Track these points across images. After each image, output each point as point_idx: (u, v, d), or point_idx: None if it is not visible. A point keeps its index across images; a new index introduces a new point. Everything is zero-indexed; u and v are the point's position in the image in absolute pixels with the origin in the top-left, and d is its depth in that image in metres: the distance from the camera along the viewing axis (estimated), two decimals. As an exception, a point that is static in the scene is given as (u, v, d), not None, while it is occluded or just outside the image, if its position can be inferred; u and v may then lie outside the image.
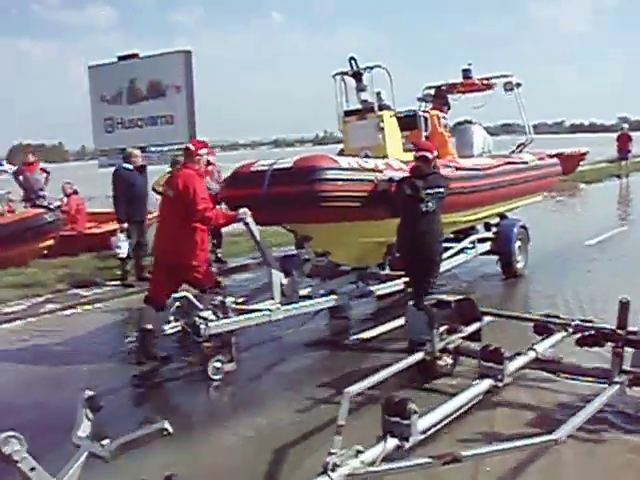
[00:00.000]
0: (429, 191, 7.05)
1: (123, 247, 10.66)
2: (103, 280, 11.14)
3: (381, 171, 7.61)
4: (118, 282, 10.97)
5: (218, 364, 6.64)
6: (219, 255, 12.32)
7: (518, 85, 11.04)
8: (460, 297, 6.37)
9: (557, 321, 5.89)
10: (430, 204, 7.06)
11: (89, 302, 10.19)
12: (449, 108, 10.62)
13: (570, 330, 5.73)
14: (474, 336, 6.11)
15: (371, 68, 9.03)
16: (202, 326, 6.46)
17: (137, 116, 16.00)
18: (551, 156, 12.40)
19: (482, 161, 9.90)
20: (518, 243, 10.43)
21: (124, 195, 10.69)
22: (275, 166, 7.32)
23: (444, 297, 6.38)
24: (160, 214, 7.45)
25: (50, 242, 12.56)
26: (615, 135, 28.80)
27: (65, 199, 14.30)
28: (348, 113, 9.16)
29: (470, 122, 10.98)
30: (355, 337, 7.78)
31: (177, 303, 6.99)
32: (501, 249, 10.27)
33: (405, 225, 7.22)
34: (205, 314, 6.61)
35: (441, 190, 7.19)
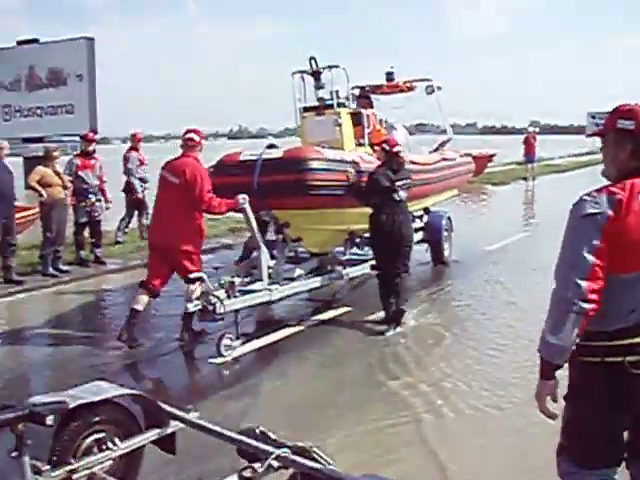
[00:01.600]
0: (400, 183, 8.03)
1: None
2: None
3: (357, 163, 8.42)
4: None
5: (228, 341, 7.08)
6: (98, 254, 11.58)
7: (439, 88, 11.84)
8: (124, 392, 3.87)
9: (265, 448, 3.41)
10: (402, 193, 8.06)
11: None
12: (372, 107, 10.83)
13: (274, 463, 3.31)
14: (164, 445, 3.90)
15: (330, 67, 9.86)
16: (218, 304, 6.98)
17: (36, 104, 15.34)
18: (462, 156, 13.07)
19: (427, 157, 11.10)
20: (445, 233, 11.26)
21: None
22: (265, 156, 7.97)
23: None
24: (159, 200, 7.61)
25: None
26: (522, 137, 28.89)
27: None
28: (307, 109, 9.91)
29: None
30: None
31: (197, 283, 7.20)
32: (431, 238, 11.04)
33: (380, 213, 8.00)
34: (218, 293, 7.11)
35: (409, 181, 8.34)
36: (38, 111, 15.24)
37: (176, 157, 7.60)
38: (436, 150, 12.11)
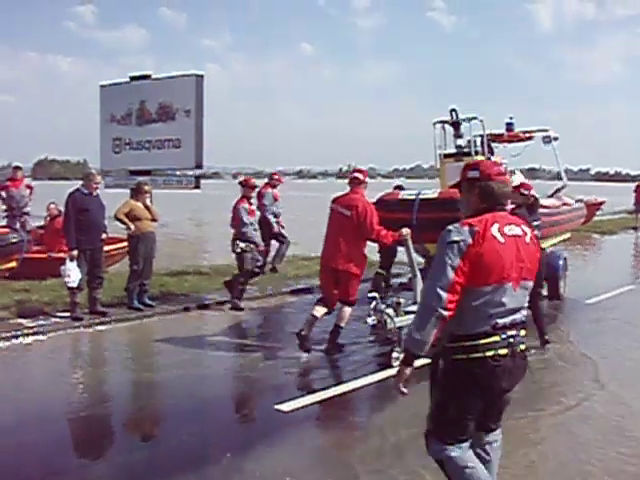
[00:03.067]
0: (535, 224, 8.43)
1: (73, 276, 10.08)
2: (54, 310, 10.48)
3: None
4: (68, 314, 10.29)
5: (395, 354, 7.96)
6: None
7: (555, 139, 12.88)
8: None
9: None
10: (537, 232, 8.46)
11: (28, 334, 9.52)
12: (492, 154, 11.75)
13: None
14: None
15: (469, 119, 11.21)
16: (388, 321, 8.02)
17: (145, 138, 15.67)
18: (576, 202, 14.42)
19: (550, 201, 12.22)
20: (562, 272, 12.09)
21: (76, 221, 10.09)
22: (421, 196, 9.50)
23: None
24: (331, 228, 8.61)
25: (12, 264, 12.10)
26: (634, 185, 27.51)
27: (48, 219, 13.87)
28: (446, 156, 11.34)
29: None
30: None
31: (374, 302, 8.13)
32: (549, 275, 11.17)
33: None
34: (389, 311, 8.08)
35: (540, 222, 9.06)
36: (146, 145, 15.57)
37: (345, 193, 8.64)
38: (552, 196, 13.14)
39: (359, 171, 8.75)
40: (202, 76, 15.23)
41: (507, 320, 3.60)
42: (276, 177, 15.18)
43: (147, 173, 15.44)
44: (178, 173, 15.92)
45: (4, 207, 14.84)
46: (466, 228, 3.56)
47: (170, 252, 16.75)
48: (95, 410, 6.78)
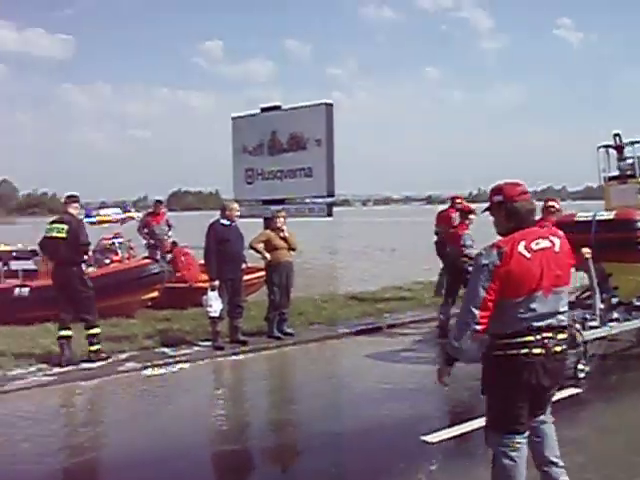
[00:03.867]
0: None
1: (215, 306, 10.27)
2: (196, 339, 10.72)
3: None
4: (209, 343, 10.49)
5: (581, 366, 8.45)
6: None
7: None
8: None
9: None
10: None
11: (172, 363, 9.77)
12: None
13: None
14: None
15: (632, 143, 11.98)
16: (578, 334, 8.30)
17: (277, 168, 15.96)
18: None
19: None
20: None
21: (216, 251, 10.29)
22: (598, 217, 9.56)
23: None
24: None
25: (154, 294, 12.48)
26: None
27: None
28: (611, 178, 11.89)
29: None
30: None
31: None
32: None
33: None
34: (577, 326, 8.42)
35: None
36: (278, 174, 15.83)
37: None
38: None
39: (554, 200, 9.33)
40: (331, 105, 15.41)
41: (542, 323, 4.00)
42: (458, 201, 13.22)
43: (280, 202, 15.68)
44: (307, 201, 16.15)
45: (145, 240, 15.35)
46: (494, 251, 3.99)
47: (306, 280, 16.91)
48: (237, 441, 6.85)
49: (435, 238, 13.74)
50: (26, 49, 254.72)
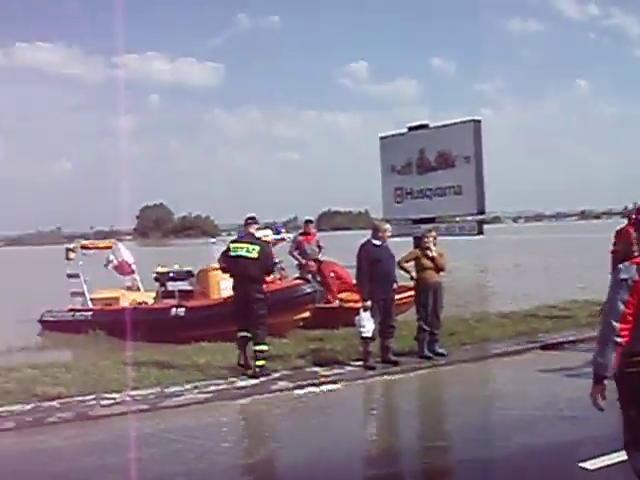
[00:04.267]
0: None
1: (368, 326, 10.30)
2: (348, 359, 10.79)
3: None
4: (361, 363, 10.53)
5: None
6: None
7: None
8: None
9: None
10: None
11: (324, 382, 9.86)
12: None
13: None
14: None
15: None
16: None
17: (426, 186, 15.86)
18: None
19: None
20: None
21: (368, 272, 10.34)
22: None
23: None
24: None
25: (306, 314, 12.68)
26: None
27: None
28: None
29: None
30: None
31: None
32: None
33: None
34: None
35: None
36: (428, 193, 15.74)
37: None
38: None
39: None
40: (479, 121, 15.19)
41: None
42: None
43: (430, 221, 15.58)
44: (458, 219, 15.98)
45: (296, 261, 15.61)
46: (634, 267, 4.13)
47: (457, 299, 16.74)
48: (388, 464, 6.86)
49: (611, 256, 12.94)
50: (178, 78, 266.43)
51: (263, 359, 10.21)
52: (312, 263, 15.30)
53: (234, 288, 10.73)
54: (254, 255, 10.31)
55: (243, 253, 10.34)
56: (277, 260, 15.42)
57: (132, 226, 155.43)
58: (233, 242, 10.72)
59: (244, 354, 10.38)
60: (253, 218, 10.92)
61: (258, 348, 10.23)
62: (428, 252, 10.97)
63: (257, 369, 10.14)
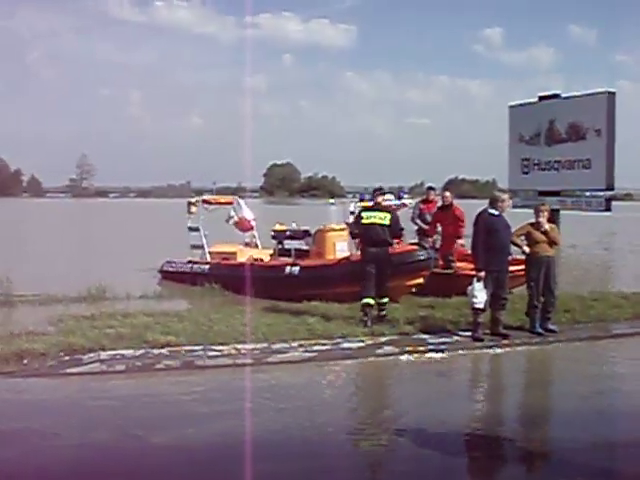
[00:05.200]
0: None
1: (479, 297, 10.30)
2: (456, 329, 10.83)
3: None
4: (469, 333, 10.55)
5: None
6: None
7: None
8: None
9: None
10: None
11: (430, 350, 9.95)
12: None
13: None
14: None
15: None
16: None
17: (554, 158, 15.55)
18: None
19: None
20: None
21: (484, 242, 10.32)
22: None
23: None
24: None
25: (420, 280, 12.73)
26: None
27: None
28: None
29: None
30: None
31: None
32: None
33: None
34: None
35: None
36: (555, 165, 15.43)
37: None
38: None
39: None
40: (614, 93, 14.76)
41: None
42: None
43: (555, 194, 15.30)
44: (587, 194, 15.60)
45: (416, 227, 15.60)
46: None
47: (576, 276, 16.37)
48: (487, 431, 6.92)
49: None
50: (311, 39, 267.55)
51: (384, 310, 11.38)
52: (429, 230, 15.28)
53: (363, 251, 11.69)
54: (386, 222, 11.37)
55: (376, 220, 11.37)
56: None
57: (259, 184, 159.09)
58: (365, 210, 11.77)
59: (369, 319, 11.09)
60: (381, 189, 12.09)
61: (382, 301, 11.37)
62: (540, 226, 10.82)
63: (379, 317, 11.25)
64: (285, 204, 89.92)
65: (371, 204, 12.16)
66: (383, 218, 11.44)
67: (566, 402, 7.88)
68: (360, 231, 11.80)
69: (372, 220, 11.44)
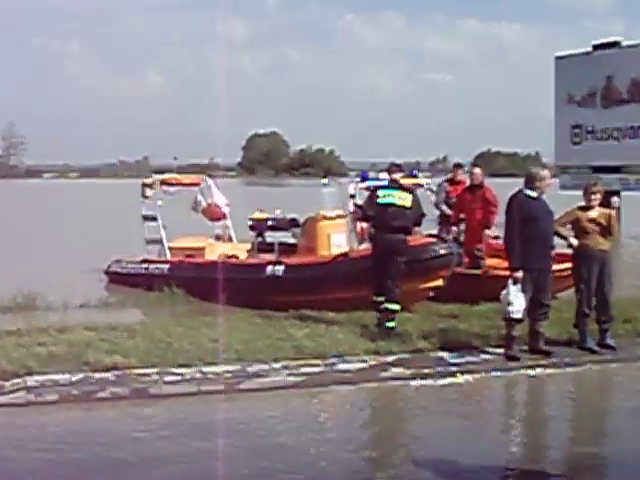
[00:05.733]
0: None
1: (516, 304, 10.23)
2: (485, 344, 10.83)
3: None
4: (502, 350, 10.56)
5: None
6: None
7: None
8: None
9: None
10: None
11: (451, 373, 9.94)
12: None
13: None
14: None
15: None
16: None
17: (613, 125, 15.54)
18: None
19: None
20: None
21: (520, 233, 10.26)
22: None
23: None
24: None
25: (438, 282, 12.70)
26: None
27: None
28: None
29: None
30: None
31: None
32: None
33: None
34: None
35: None
36: (615, 133, 15.42)
37: None
38: None
39: None
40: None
41: None
42: None
43: (615, 170, 15.28)
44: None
45: (438, 212, 15.49)
46: None
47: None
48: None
49: None
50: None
51: (393, 320, 11.36)
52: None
53: (375, 239, 12.02)
54: (407, 203, 11.64)
55: (395, 201, 11.60)
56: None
57: (236, 159, 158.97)
58: (381, 188, 11.98)
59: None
60: (398, 165, 12.48)
61: (391, 307, 11.37)
62: (591, 212, 10.79)
63: (386, 330, 11.21)
64: (269, 185, 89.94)
65: (385, 183, 12.30)
66: (404, 199, 11.66)
67: (628, 445, 7.75)
68: (374, 213, 11.91)
69: (390, 200, 11.62)
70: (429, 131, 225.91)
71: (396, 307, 11.48)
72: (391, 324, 11.37)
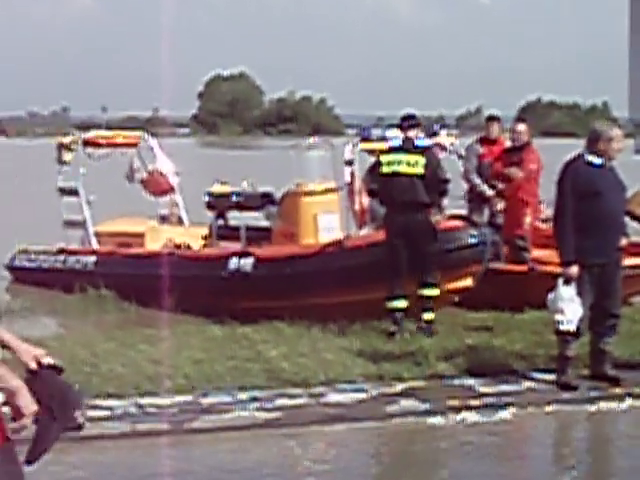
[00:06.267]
0: None
1: (568, 312, 10.16)
2: (530, 368, 10.80)
3: None
4: (553, 376, 10.52)
5: None
6: None
7: None
8: None
9: None
10: None
11: (480, 406, 9.90)
12: None
13: None
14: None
15: None
16: None
17: None
18: None
19: None
20: None
21: (576, 213, 10.16)
22: None
23: None
24: None
25: (466, 282, 12.63)
26: None
27: None
28: None
29: None
30: None
31: None
32: None
33: None
34: None
35: None
36: None
37: None
38: None
39: None
40: None
41: None
42: None
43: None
44: None
45: (468, 185, 15.20)
46: None
47: None
48: None
49: None
50: None
51: (432, 310, 11.79)
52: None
53: (387, 220, 12.22)
54: (418, 170, 11.77)
55: (402, 168, 11.78)
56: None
57: (191, 111, 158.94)
58: (386, 152, 12.21)
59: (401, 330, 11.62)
60: (414, 118, 12.49)
61: (427, 293, 11.78)
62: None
63: (425, 325, 11.73)
64: (234, 147, 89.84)
65: (395, 144, 12.35)
66: (414, 164, 11.75)
67: None
68: (378, 186, 12.19)
69: (396, 168, 11.81)
70: (457, 74, 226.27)
71: (435, 292, 11.83)
72: (429, 316, 11.73)
